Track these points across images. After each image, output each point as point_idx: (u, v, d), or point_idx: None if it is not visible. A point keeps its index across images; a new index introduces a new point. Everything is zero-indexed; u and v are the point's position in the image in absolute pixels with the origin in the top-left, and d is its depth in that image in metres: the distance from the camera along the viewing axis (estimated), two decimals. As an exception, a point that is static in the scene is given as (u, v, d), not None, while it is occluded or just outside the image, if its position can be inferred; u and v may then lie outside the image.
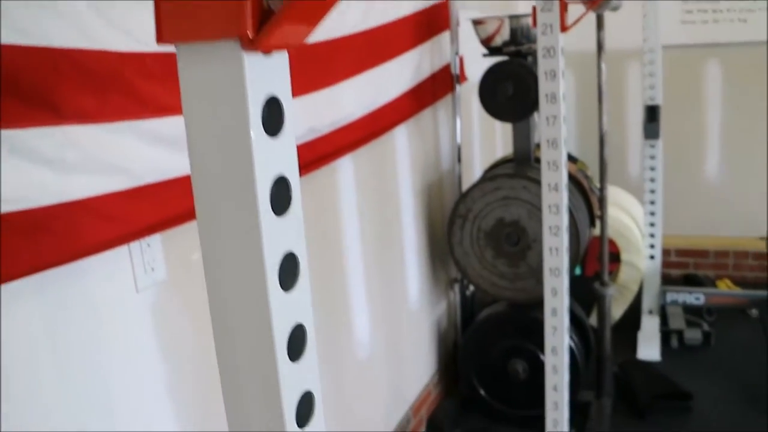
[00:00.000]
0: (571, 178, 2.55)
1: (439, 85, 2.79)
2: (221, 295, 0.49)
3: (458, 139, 2.93)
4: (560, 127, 1.72)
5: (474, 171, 3.38)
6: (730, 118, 3.99)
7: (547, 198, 1.79)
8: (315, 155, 1.81)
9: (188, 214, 1.28)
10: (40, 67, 1.00)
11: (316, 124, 1.79)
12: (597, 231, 2.81)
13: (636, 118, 3.83)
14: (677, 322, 3.40)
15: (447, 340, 3.09)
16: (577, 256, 2.55)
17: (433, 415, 2.83)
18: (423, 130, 2.79)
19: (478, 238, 2.63)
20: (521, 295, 2.64)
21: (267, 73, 0.46)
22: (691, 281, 3.98)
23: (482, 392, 2.80)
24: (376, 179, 2.37)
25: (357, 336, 2.25)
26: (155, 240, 1.32)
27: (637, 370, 3.03)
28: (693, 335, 3.31)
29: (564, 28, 1.69)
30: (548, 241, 1.82)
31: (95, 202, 1.10)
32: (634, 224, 3.49)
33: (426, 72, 2.62)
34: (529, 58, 2.59)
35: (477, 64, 2.81)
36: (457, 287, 3.00)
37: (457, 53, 2.85)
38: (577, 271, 3.17)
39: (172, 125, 1.22)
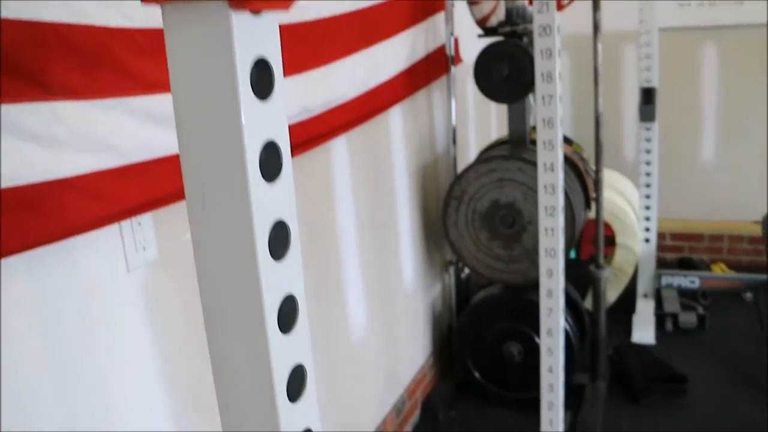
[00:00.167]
0: (567, 159, 2.53)
1: (434, 66, 2.76)
2: (210, 265, 0.48)
3: (453, 121, 2.91)
4: (556, 106, 1.71)
5: (469, 152, 3.37)
6: (727, 102, 3.98)
7: (543, 178, 1.78)
8: (308, 135, 1.79)
9: (179, 194, 1.25)
10: (27, 41, 0.98)
11: (309, 103, 1.77)
12: (592, 214, 2.81)
13: (632, 101, 3.82)
14: (672, 305, 3.41)
15: (442, 323, 3.09)
16: (572, 239, 2.54)
17: (428, 398, 2.83)
18: (418, 112, 2.77)
19: (473, 220, 2.62)
20: (516, 278, 2.63)
21: (256, 33, 0.44)
22: (686, 265, 3.98)
23: (477, 375, 2.81)
24: (370, 160, 2.35)
25: (351, 318, 2.24)
26: (146, 219, 1.30)
27: (632, 353, 3.03)
28: (688, 318, 3.31)
29: (560, 7, 1.67)
30: (544, 221, 1.81)
31: (83, 180, 1.08)
32: (629, 207, 3.48)
33: (421, 53, 2.59)
34: (525, 39, 2.57)
35: (472, 44, 2.78)
36: (452, 269, 3.00)
37: (452, 34, 2.83)
38: (572, 254, 3.16)
39: (162, 102, 1.20)
